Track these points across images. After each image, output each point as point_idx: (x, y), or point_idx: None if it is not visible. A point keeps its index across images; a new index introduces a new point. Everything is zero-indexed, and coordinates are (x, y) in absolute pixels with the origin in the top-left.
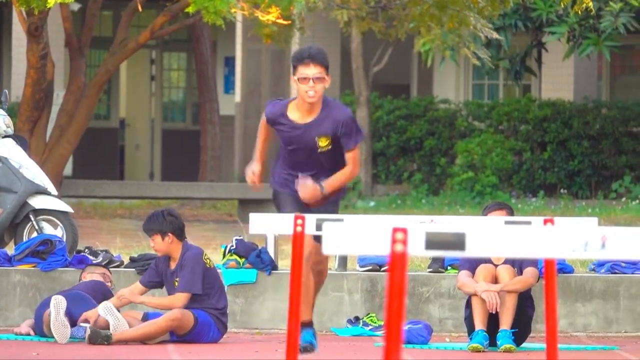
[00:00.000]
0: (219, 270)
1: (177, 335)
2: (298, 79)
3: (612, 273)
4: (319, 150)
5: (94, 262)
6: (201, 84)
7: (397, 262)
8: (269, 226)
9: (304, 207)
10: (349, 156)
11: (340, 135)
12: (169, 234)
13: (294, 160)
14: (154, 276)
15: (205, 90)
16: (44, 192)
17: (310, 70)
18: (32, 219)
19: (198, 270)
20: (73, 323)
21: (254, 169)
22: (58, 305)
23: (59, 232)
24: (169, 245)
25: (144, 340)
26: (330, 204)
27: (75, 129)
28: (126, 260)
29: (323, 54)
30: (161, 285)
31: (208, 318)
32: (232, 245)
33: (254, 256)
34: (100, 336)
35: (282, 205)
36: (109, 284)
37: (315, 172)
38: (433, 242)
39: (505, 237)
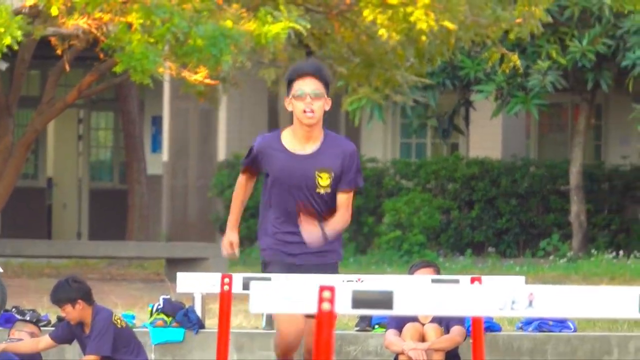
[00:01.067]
0: (144, 330)
1: None
2: (293, 97)
3: (539, 331)
4: (317, 191)
5: (20, 318)
6: (128, 143)
7: (324, 321)
8: (197, 285)
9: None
10: (343, 198)
11: (343, 170)
12: (79, 300)
13: (285, 208)
14: (67, 334)
15: (133, 150)
16: None
17: (308, 86)
18: None
19: (107, 333)
20: None
21: (231, 239)
22: None
23: None
24: (80, 311)
25: None
26: (330, 268)
27: (3, 189)
28: (53, 320)
29: (323, 69)
30: (70, 342)
31: None
32: (160, 304)
33: (182, 315)
34: None
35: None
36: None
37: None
38: (360, 300)
39: (432, 296)
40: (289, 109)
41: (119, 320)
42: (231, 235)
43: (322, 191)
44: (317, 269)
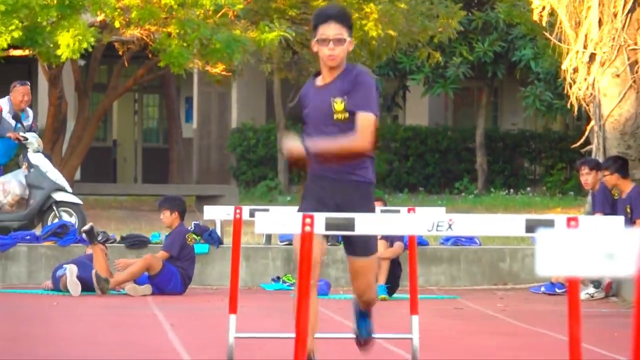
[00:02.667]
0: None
1: (149, 276)
2: (318, 41)
3: (455, 245)
4: (335, 118)
5: (97, 240)
6: (169, 115)
7: (306, 239)
8: (217, 214)
9: (324, 204)
10: (357, 121)
11: (355, 94)
12: (176, 212)
13: (311, 137)
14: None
15: (172, 120)
16: (62, 189)
17: (331, 30)
18: (55, 208)
19: (178, 240)
20: (81, 281)
21: (296, 145)
22: (72, 270)
23: (72, 219)
24: (172, 220)
25: (132, 278)
26: (361, 199)
27: (83, 148)
28: (118, 238)
29: (346, 13)
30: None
31: (174, 269)
32: (192, 227)
33: (207, 235)
34: (102, 279)
35: (303, 201)
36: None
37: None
38: (331, 224)
39: (381, 220)
40: (315, 50)
41: (189, 237)
42: (297, 143)
43: (340, 117)
44: (349, 203)
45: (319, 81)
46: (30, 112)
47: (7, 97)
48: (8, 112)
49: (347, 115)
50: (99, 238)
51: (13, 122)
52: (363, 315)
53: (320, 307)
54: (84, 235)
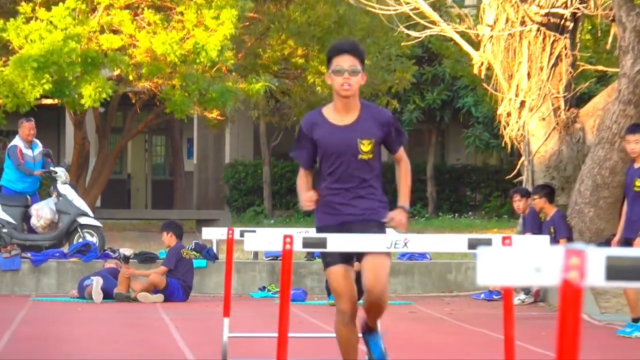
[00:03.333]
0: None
1: (157, 289)
2: (332, 72)
3: (410, 260)
4: (360, 157)
5: (112, 256)
6: (174, 153)
7: (286, 255)
8: (214, 234)
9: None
10: (400, 154)
11: (387, 136)
12: (171, 233)
13: (332, 177)
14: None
15: (176, 157)
16: (86, 214)
17: (346, 62)
18: (79, 230)
19: (174, 256)
20: (103, 291)
21: (311, 194)
22: (98, 282)
23: (94, 239)
24: (170, 240)
25: (148, 289)
26: (375, 225)
27: (102, 180)
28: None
29: (359, 47)
30: None
31: (176, 283)
32: (192, 246)
33: (205, 252)
34: (123, 297)
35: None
36: (119, 269)
37: (353, 185)
38: (309, 243)
39: (350, 240)
40: (329, 82)
41: (184, 252)
42: (308, 193)
43: (365, 157)
44: (364, 226)
45: (333, 116)
46: (38, 142)
47: (17, 136)
48: (25, 147)
49: (371, 155)
50: (115, 255)
51: (31, 152)
52: (372, 335)
53: (297, 311)
54: (123, 255)
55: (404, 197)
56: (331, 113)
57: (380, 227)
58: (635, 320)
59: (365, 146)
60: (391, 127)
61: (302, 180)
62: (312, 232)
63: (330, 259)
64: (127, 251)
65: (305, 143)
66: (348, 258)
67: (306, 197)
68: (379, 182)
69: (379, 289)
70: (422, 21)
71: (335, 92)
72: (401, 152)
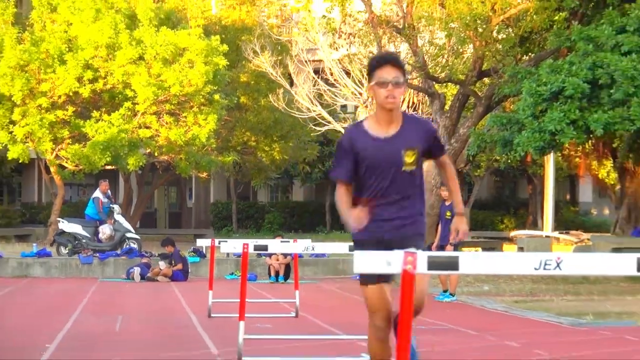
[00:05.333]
0: (187, 256)
1: (168, 276)
2: (376, 84)
3: (316, 257)
4: (403, 169)
5: (145, 255)
6: (180, 196)
7: (244, 257)
8: (203, 243)
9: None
10: (444, 160)
11: (431, 146)
12: (168, 245)
13: (375, 189)
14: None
15: (182, 199)
16: (130, 231)
17: (390, 74)
18: (127, 240)
19: (178, 257)
20: (140, 276)
21: (359, 213)
22: (137, 271)
23: (135, 246)
24: (169, 249)
25: (166, 274)
26: (415, 238)
27: (140, 212)
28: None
29: (400, 59)
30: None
31: (179, 273)
32: (191, 249)
33: (199, 253)
34: (152, 279)
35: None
36: (150, 263)
37: (396, 198)
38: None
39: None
40: (370, 95)
41: (181, 252)
42: (356, 211)
43: (408, 169)
44: (404, 240)
45: (375, 129)
46: (109, 192)
47: (97, 189)
48: (103, 197)
49: (414, 167)
50: (148, 255)
51: (107, 200)
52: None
53: (252, 287)
54: (161, 263)
55: (458, 203)
56: (373, 125)
57: (419, 239)
58: (444, 292)
59: (409, 157)
60: (431, 136)
61: (344, 198)
62: (317, 245)
63: (366, 277)
64: (162, 264)
65: (346, 158)
66: (386, 275)
67: (354, 217)
68: (420, 194)
69: (420, 300)
70: (322, 121)
71: (379, 105)
72: (445, 157)
